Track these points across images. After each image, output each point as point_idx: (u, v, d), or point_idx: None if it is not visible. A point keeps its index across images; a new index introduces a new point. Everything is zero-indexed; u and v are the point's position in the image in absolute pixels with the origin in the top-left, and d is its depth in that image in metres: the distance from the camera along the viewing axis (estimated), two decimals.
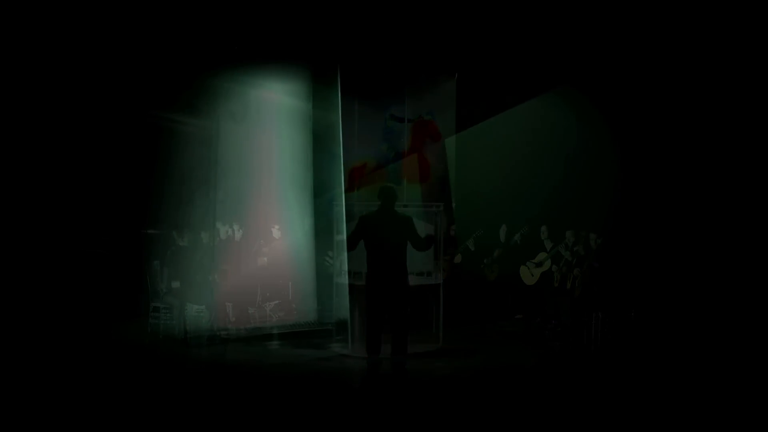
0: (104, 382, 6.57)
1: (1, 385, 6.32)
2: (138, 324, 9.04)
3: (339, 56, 8.74)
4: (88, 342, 8.18)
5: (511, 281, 9.68)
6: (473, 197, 10.78)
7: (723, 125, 8.85)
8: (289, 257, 9.29)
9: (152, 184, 9.69)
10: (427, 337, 8.17)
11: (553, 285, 8.95)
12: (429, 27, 9.15)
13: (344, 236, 7.84)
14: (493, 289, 9.90)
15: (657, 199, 9.34)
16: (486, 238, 10.04)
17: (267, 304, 9.24)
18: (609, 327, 8.08)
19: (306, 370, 7.35)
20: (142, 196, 9.93)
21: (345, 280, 8.13)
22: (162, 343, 8.45)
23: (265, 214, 9.29)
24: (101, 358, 7.53)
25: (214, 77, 8.74)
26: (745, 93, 8.61)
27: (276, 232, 9.44)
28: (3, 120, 8.91)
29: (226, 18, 8.49)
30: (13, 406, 5.76)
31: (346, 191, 8.79)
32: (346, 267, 8.11)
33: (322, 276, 9.29)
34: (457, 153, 10.41)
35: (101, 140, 9.86)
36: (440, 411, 5.97)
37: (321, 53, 8.87)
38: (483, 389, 6.65)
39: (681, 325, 8.24)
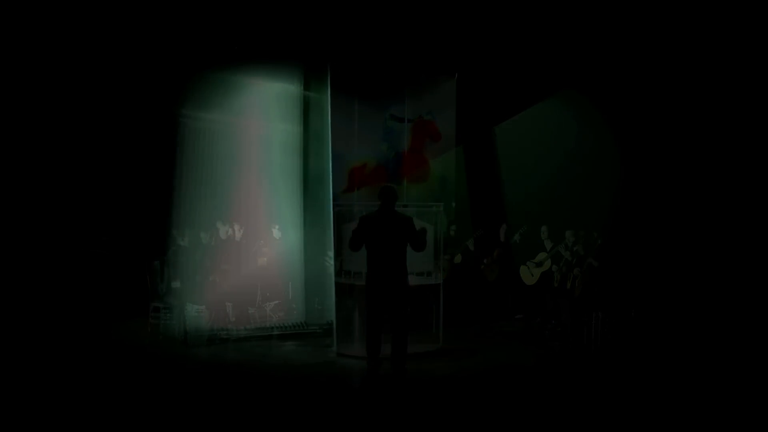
0: (104, 382, 6.57)
1: (1, 385, 6.33)
2: (138, 324, 9.04)
3: (339, 56, 8.74)
4: (88, 342, 8.18)
5: (511, 281, 9.68)
6: (474, 197, 10.79)
7: (722, 125, 8.85)
8: (283, 256, 9.32)
9: (152, 183, 9.71)
10: (427, 337, 8.17)
11: (553, 285, 8.94)
12: (429, 27, 9.15)
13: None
14: (493, 289, 9.89)
15: (657, 199, 9.34)
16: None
17: (267, 304, 9.24)
18: (609, 327, 8.08)
19: (306, 370, 7.34)
20: (142, 195, 9.95)
21: (340, 279, 8.13)
22: (162, 343, 8.45)
23: (261, 212, 9.31)
24: (102, 358, 7.53)
25: (212, 73, 8.75)
26: (745, 92, 8.61)
27: (276, 232, 9.44)
28: (3, 121, 8.92)
29: (227, 15, 8.50)
30: (13, 406, 5.76)
31: (343, 191, 8.79)
32: (339, 266, 8.12)
33: (315, 275, 9.30)
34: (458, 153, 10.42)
35: (100, 140, 9.86)
36: (440, 411, 5.97)
37: (320, 53, 8.87)
38: (483, 389, 6.65)
39: (681, 325, 8.24)
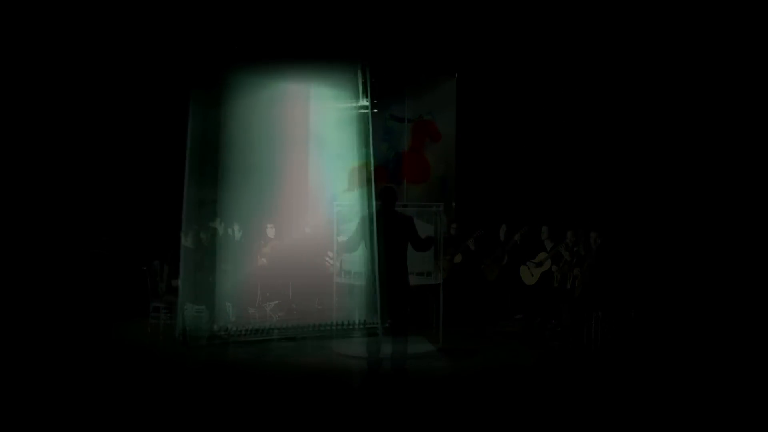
0: (104, 382, 6.56)
1: (1, 385, 6.33)
2: (138, 324, 9.04)
3: (339, 57, 8.75)
4: (88, 342, 8.18)
5: (511, 281, 9.68)
6: (473, 197, 10.79)
7: (722, 127, 8.86)
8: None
9: (152, 182, 9.70)
10: (427, 337, 8.17)
11: (553, 285, 8.94)
12: (429, 27, 9.16)
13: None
14: (493, 289, 9.89)
15: (657, 200, 9.35)
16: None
17: (267, 304, 9.23)
18: (609, 327, 8.08)
19: (306, 370, 7.34)
20: (143, 195, 9.94)
21: (345, 279, 8.12)
22: (162, 343, 8.45)
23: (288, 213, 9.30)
24: (102, 357, 7.53)
25: (225, 70, 8.73)
26: (744, 93, 8.62)
27: (270, 231, 9.42)
28: (3, 121, 8.91)
29: (232, 15, 8.50)
30: (13, 406, 5.76)
31: (343, 191, 8.80)
32: (346, 267, 8.10)
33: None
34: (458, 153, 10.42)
35: (101, 139, 9.86)
36: (440, 411, 5.97)
37: (321, 53, 8.88)
38: (483, 389, 6.65)
39: (681, 325, 8.24)
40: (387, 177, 9.19)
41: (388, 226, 6.80)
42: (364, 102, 9.29)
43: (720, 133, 8.88)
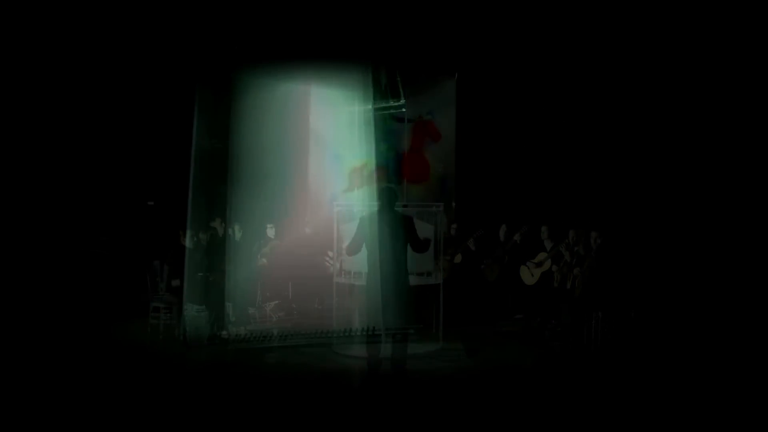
0: (104, 382, 6.57)
1: (1, 385, 6.33)
2: (138, 324, 9.04)
3: (340, 57, 8.75)
4: (88, 342, 8.18)
5: (511, 281, 9.68)
6: (473, 197, 10.79)
7: (722, 127, 8.85)
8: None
9: (154, 182, 9.69)
10: (427, 337, 8.17)
11: (553, 285, 8.94)
12: (429, 27, 9.16)
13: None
14: (493, 289, 9.89)
15: (657, 199, 9.34)
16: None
17: (267, 304, 9.22)
18: (609, 327, 8.08)
19: (306, 370, 7.34)
20: (145, 195, 9.94)
21: (345, 279, 8.12)
22: (162, 343, 8.45)
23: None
24: (102, 357, 7.53)
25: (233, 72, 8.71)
26: (744, 93, 8.62)
27: (270, 231, 9.41)
28: (5, 120, 8.92)
29: (234, 17, 8.50)
30: (13, 406, 5.76)
31: (343, 191, 8.79)
32: (346, 267, 8.10)
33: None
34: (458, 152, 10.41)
35: (102, 139, 9.87)
36: (440, 411, 5.97)
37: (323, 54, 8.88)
38: (483, 389, 6.65)
39: (681, 325, 8.24)
40: (387, 177, 9.17)
41: (389, 226, 6.80)
42: (388, 103, 9.29)
43: (720, 133, 8.88)
